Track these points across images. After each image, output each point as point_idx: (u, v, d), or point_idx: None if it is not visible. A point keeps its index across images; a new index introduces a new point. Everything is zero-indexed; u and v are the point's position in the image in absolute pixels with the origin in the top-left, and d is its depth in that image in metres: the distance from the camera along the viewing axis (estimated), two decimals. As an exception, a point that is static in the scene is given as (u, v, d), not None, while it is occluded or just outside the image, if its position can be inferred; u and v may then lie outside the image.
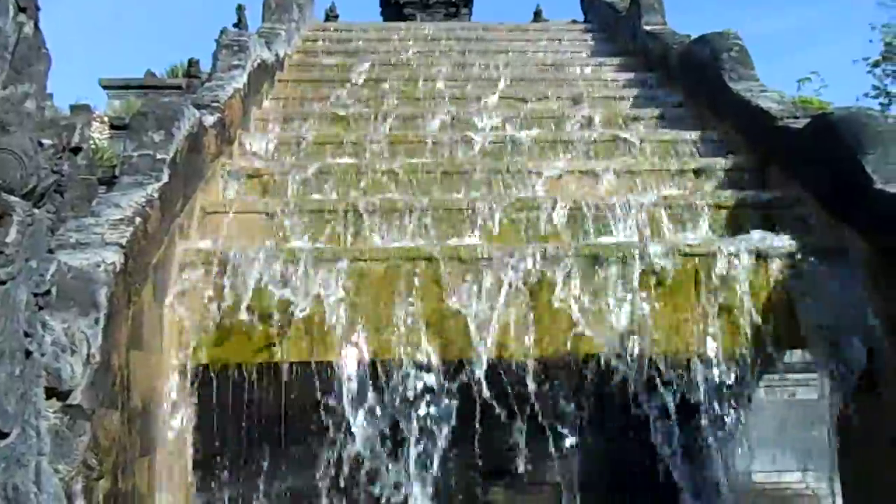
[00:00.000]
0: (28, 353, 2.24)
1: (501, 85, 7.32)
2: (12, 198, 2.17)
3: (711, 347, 3.94)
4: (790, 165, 4.91)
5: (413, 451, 3.87)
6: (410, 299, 3.90)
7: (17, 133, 2.22)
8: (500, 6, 32.87)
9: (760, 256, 4.10)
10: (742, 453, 4.68)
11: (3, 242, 2.11)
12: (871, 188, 4.00)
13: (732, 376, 3.93)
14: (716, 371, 3.93)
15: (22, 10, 2.30)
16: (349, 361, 3.79)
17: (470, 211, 4.64)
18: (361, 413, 3.80)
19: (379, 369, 3.84)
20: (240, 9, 13.31)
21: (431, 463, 3.86)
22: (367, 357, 3.82)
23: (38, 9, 2.40)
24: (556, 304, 3.92)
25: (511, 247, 4.10)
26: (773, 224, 4.55)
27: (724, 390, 3.96)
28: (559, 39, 9.82)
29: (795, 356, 4.87)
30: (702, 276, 4.03)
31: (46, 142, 2.35)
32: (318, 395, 3.80)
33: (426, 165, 5.32)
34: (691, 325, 3.99)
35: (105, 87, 13.63)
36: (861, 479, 4.06)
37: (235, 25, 11.68)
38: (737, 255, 4.06)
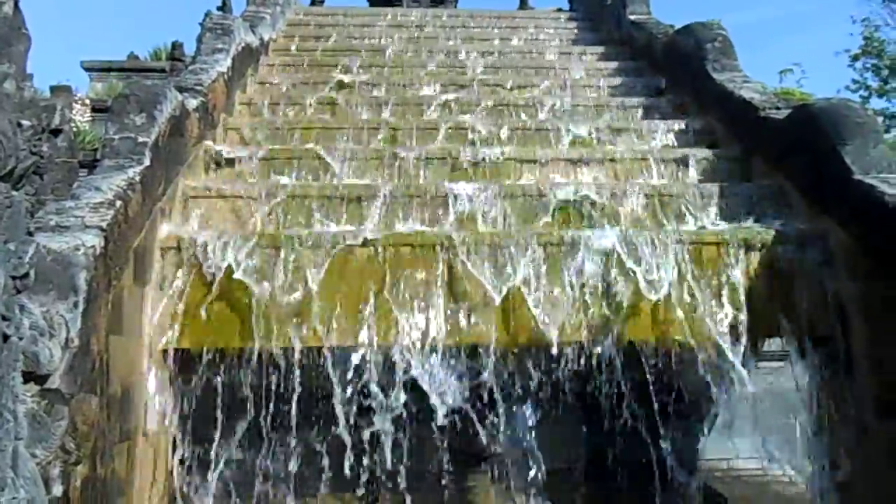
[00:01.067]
0: (6, 337, 2.23)
1: (481, 71, 7.38)
2: (-10, 179, 2.16)
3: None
4: (773, 156, 4.94)
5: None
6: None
7: (-5, 114, 2.20)
8: (487, -8, 32.62)
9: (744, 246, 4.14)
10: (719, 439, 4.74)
11: (-20, 224, 2.09)
12: (851, 179, 4.04)
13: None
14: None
15: (1, -11, 2.28)
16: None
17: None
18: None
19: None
20: (225, -8, 13.15)
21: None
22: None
23: (17, -12, 2.38)
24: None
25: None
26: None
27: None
28: (544, 28, 9.81)
29: (773, 345, 4.91)
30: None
31: (25, 123, 2.34)
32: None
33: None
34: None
35: (87, 69, 13.45)
36: (835, 464, 4.12)
37: (220, 9, 11.52)
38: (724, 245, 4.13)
